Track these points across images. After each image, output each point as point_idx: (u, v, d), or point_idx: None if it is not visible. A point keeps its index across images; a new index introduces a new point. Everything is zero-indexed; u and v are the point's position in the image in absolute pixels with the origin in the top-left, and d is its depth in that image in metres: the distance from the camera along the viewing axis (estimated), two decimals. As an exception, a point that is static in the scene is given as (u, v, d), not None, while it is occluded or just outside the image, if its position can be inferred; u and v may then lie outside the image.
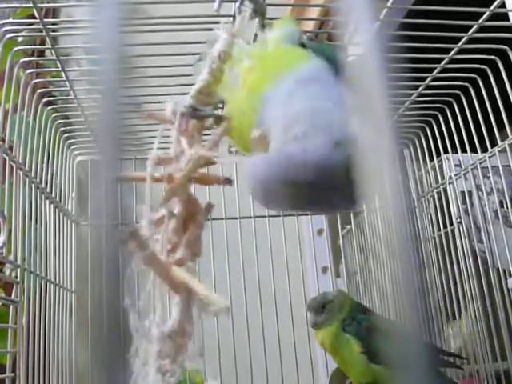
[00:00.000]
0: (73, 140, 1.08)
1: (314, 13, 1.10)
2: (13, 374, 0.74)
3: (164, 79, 0.89)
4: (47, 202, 0.95)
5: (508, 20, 0.86)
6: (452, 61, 0.89)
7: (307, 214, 1.14)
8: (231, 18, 0.67)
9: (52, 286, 0.93)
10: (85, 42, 0.96)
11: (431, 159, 1.11)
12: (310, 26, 1.12)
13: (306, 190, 0.39)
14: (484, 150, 0.96)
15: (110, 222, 0.20)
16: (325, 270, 1.33)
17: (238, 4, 0.56)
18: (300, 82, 0.42)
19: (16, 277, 0.80)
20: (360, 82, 0.23)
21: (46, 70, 1.01)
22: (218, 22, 0.51)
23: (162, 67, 0.87)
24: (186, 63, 0.84)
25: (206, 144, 0.47)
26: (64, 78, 0.88)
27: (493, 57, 0.88)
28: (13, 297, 0.78)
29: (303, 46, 0.48)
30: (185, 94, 0.86)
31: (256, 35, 0.70)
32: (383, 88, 0.22)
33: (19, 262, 0.80)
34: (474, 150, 0.99)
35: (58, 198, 1.00)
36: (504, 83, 0.86)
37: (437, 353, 0.93)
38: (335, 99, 0.41)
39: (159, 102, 0.94)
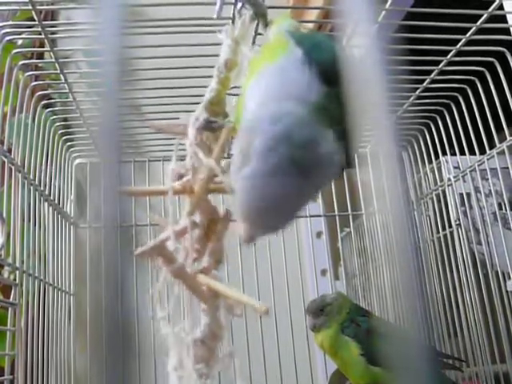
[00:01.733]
0: (72, 142, 1.08)
1: (313, 15, 1.10)
2: (11, 377, 0.74)
3: (162, 81, 0.89)
4: (46, 204, 0.95)
5: (506, 22, 0.86)
6: (450, 63, 0.89)
7: (306, 216, 1.14)
8: (231, 21, 0.67)
9: (51, 288, 0.93)
10: (84, 45, 0.96)
11: (430, 161, 1.11)
12: (308, 28, 1.13)
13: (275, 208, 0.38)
14: (482, 152, 0.96)
15: (112, 225, 0.20)
16: (324, 272, 1.33)
17: (238, 7, 0.56)
18: (269, 78, 0.42)
19: (15, 279, 0.80)
20: (360, 82, 0.23)
21: (45, 72, 1.01)
22: (218, 25, 0.51)
23: (161, 69, 0.87)
24: (186, 65, 0.85)
25: (214, 153, 0.48)
26: (63, 81, 0.87)
27: (491, 59, 0.88)
28: (11, 299, 0.78)
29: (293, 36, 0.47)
30: (183, 96, 0.87)
31: (255, 37, 0.70)
32: (384, 88, 0.22)
33: (18, 264, 0.79)
34: (472, 153, 0.99)
35: (56, 201, 1.00)
36: (502, 85, 0.86)
37: (436, 355, 0.93)
38: (300, 99, 0.40)
39: (159, 105, 0.95)
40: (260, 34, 0.67)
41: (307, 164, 0.37)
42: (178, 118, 0.56)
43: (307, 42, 0.44)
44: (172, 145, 0.50)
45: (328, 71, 0.41)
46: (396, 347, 0.19)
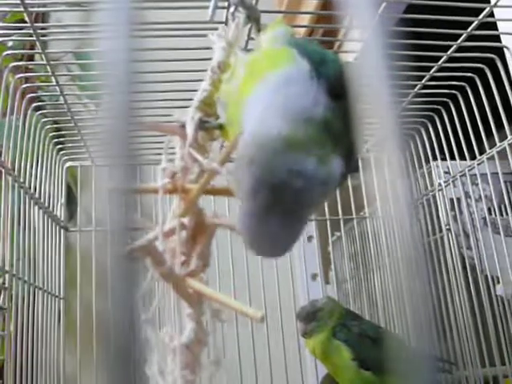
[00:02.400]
0: (62, 145, 1.08)
1: (305, 20, 1.10)
2: (0, 381, 0.74)
3: (155, 85, 0.89)
4: (36, 207, 0.94)
5: (496, 29, 0.87)
6: (441, 69, 0.90)
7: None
8: (224, 24, 0.67)
9: (40, 292, 0.92)
10: (75, 47, 0.95)
11: (420, 166, 1.12)
12: (300, 32, 1.13)
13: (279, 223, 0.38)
14: (473, 157, 0.97)
15: (121, 232, 0.19)
16: (314, 276, 1.33)
17: (231, 10, 0.56)
18: (274, 87, 0.41)
19: (4, 283, 0.79)
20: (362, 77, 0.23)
21: (36, 74, 1.01)
22: (212, 29, 0.51)
23: (153, 73, 0.87)
24: (177, 69, 0.84)
25: (219, 156, 0.47)
26: (54, 83, 0.87)
27: (482, 66, 0.89)
28: (1, 303, 0.77)
29: (291, 44, 0.47)
30: (175, 99, 0.87)
31: (248, 41, 0.70)
32: (386, 81, 0.22)
33: (7, 267, 0.79)
34: (462, 158, 0.99)
35: (46, 204, 0.99)
36: (492, 91, 0.87)
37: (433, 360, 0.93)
38: (305, 109, 0.40)
39: (152, 108, 0.94)
40: (252, 39, 0.67)
41: (306, 200, 0.38)
42: (168, 121, 0.56)
43: (313, 55, 0.43)
44: (162, 148, 0.50)
45: (335, 86, 0.41)
46: (400, 354, 0.20)
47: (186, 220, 0.47)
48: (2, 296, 0.78)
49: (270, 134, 0.38)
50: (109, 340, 0.18)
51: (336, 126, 0.40)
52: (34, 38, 0.77)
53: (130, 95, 0.20)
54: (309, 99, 0.40)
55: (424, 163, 1.11)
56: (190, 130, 0.48)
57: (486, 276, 0.97)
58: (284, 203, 0.37)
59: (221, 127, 0.50)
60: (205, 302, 0.46)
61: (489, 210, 1.05)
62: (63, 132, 1.06)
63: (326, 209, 1.14)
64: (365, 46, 0.24)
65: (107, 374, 0.18)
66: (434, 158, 1.07)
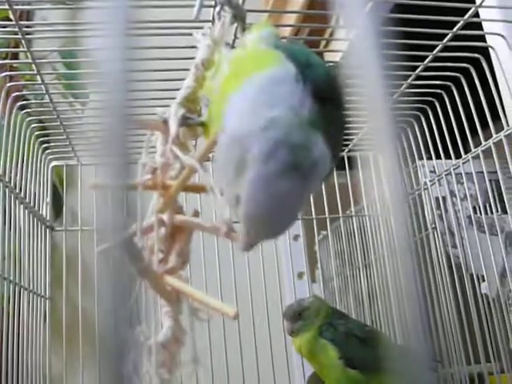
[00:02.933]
0: (47, 145, 1.07)
1: (291, 19, 1.10)
2: (-14, 382, 0.73)
3: (139, 83, 0.89)
4: (21, 206, 0.94)
5: (482, 29, 0.88)
6: (427, 68, 0.90)
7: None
8: (210, 23, 0.67)
9: (26, 292, 0.91)
10: (60, 45, 0.95)
11: (406, 165, 1.12)
12: (286, 32, 1.13)
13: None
14: (458, 156, 0.98)
15: (117, 232, 0.19)
16: (301, 275, 1.34)
17: (217, 9, 0.56)
18: (259, 86, 0.41)
19: (-11, 283, 0.78)
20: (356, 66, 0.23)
21: (22, 73, 1.00)
22: (198, 27, 0.51)
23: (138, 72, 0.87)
24: (164, 68, 0.84)
25: (197, 153, 0.47)
26: (40, 82, 0.86)
27: (467, 65, 0.89)
28: (-14, 303, 0.77)
29: (277, 47, 0.47)
30: (159, 98, 0.87)
31: (234, 40, 0.70)
32: (380, 71, 0.22)
33: (-8, 267, 0.78)
34: (448, 157, 1.00)
35: (32, 203, 0.98)
36: (477, 91, 0.88)
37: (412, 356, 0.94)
38: (292, 109, 0.40)
39: (137, 107, 0.94)
40: (237, 38, 0.67)
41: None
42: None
43: (300, 58, 0.44)
44: (141, 144, 0.50)
45: (321, 90, 0.41)
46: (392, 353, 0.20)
47: (164, 216, 0.47)
48: (-14, 296, 0.78)
49: (251, 132, 0.38)
50: (101, 339, 0.18)
51: (320, 128, 0.40)
52: (20, 36, 0.76)
53: (125, 94, 0.20)
54: (294, 101, 0.40)
55: (410, 162, 1.11)
56: (172, 126, 0.47)
57: (472, 274, 0.98)
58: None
59: (203, 124, 0.50)
60: (183, 300, 0.46)
61: (474, 208, 1.06)
62: (48, 131, 1.05)
63: (313, 208, 1.14)
64: (356, 40, 0.24)
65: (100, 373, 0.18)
66: (420, 157, 1.08)
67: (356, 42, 0.24)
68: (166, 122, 0.49)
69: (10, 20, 0.74)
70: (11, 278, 0.85)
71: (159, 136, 0.49)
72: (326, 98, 0.41)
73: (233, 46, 0.71)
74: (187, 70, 0.59)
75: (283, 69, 0.42)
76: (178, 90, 0.82)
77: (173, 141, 0.47)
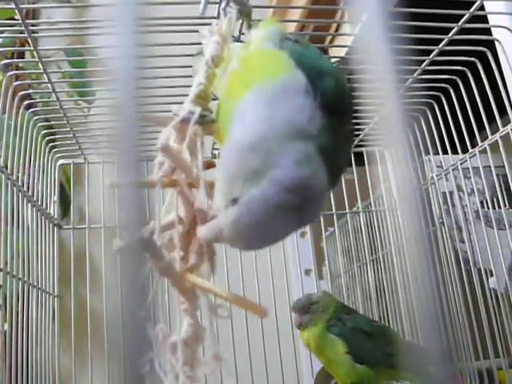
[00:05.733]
0: (54, 143, 1.07)
1: (296, 15, 1.10)
2: (-4, 380, 0.74)
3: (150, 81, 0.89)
4: (29, 205, 0.94)
5: (487, 22, 0.87)
6: (433, 62, 0.90)
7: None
8: (215, 20, 0.67)
9: (35, 290, 0.92)
10: (66, 44, 0.95)
11: (413, 161, 1.12)
12: (291, 27, 1.13)
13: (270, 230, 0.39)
14: (465, 150, 0.98)
15: (136, 230, 0.19)
16: (308, 272, 1.33)
17: (223, 5, 0.56)
18: (268, 98, 0.41)
19: (-2, 280, 0.79)
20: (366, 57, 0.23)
21: (28, 71, 1.00)
22: (203, 24, 0.51)
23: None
24: (170, 64, 0.84)
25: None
26: (46, 80, 0.87)
27: (473, 59, 0.89)
28: (-5, 301, 0.77)
29: (286, 49, 0.46)
30: (167, 95, 0.87)
31: (239, 36, 0.70)
32: (390, 61, 0.22)
33: (1, 265, 0.79)
34: (454, 151, 1.00)
35: (39, 202, 0.99)
36: (484, 85, 0.87)
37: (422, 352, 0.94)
38: (299, 127, 0.40)
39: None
40: (243, 34, 0.67)
41: (307, 206, 0.39)
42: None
43: (310, 65, 0.43)
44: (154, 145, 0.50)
45: (331, 103, 0.41)
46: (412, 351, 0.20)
47: (182, 214, 0.47)
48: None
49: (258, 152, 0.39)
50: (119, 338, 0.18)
51: (326, 143, 0.40)
52: (26, 35, 0.76)
53: (138, 91, 0.20)
54: (303, 116, 0.40)
55: (417, 157, 1.11)
56: (190, 124, 0.47)
57: (479, 269, 0.97)
58: (300, 206, 0.38)
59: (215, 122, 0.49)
60: (201, 296, 0.46)
61: (481, 203, 1.06)
62: (55, 130, 1.06)
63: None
64: (364, 32, 0.24)
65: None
66: (427, 152, 1.08)
67: (364, 34, 0.23)
68: (183, 119, 0.48)
69: (16, 20, 0.74)
70: (20, 275, 0.86)
71: (173, 134, 0.49)
72: (335, 109, 0.41)
73: (239, 41, 0.71)
74: (191, 67, 0.59)
75: (293, 78, 0.42)
76: (181, 87, 0.83)
77: (190, 139, 0.47)
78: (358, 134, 1.11)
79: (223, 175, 0.41)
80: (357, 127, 1.08)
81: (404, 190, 0.21)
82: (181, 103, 0.52)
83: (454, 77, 0.94)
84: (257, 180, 0.38)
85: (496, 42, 0.86)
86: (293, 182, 0.37)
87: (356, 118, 1.01)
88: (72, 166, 1.13)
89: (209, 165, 0.47)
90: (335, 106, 0.41)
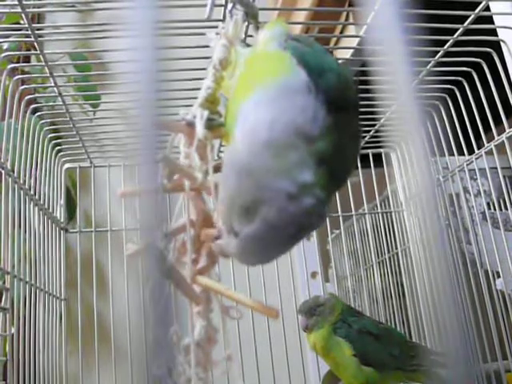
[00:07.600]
0: (60, 147, 1.08)
1: (301, 17, 1.10)
2: (3, 382, 0.74)
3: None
4: (36, 208, 0.94)
5: (492, 23, 0.87)
6: (438, 64, 0.90)
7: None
8: (221, 23, 0.68)
9: (42, 293, 0.92)
10: (72, 48, 0.95)
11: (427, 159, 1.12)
12: (296, 29, 1.13)
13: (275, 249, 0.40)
14: (471, 152, 0.97)
15: (156, 233, 0.19)
16: (314, 275, 1.33)
17: (229, 8, 0.56)
18: (270, 98, 0.40)
19: (5, 283, 0.79)
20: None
21: (35, 75, 1.00)
22: (210, 27, 0.51)
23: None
24: (177, 68, 0.84)
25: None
26: (52, 84, 0.87)
27: (478, 60, 0.89)
28: (2, 304, 0.77)
29: (290, 49, 0.45)
30: (173, 98, 0.87)
31: (245, 38, 0.70)
32: (404, 53, 0.22)
33: (9, 268, 0.79)
34: (460, 153, 1.00)
35: (46, 205, 0.99)
36: (489, 86, 0.87)
37: (430, 354, 0.94)
38: (302, 127, 0.39)
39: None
40: (250, 36, 0.67)
41: (304, 234, 0.39)
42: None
43: (311, 63, 0.42)
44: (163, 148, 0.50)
45: (334, 99, 0.40)
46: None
47: (193, 217, 0.47)
48: (3, 297, 0.78)
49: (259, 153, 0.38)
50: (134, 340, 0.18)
51: (333, 145, 0.39)
52: (32, 39, 0.77)
53: (157, 94, 0.20)
54: (306, 116, 0.39)
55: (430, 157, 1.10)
56: (199, 128, 0.47)
57: (487, 270, 0.97)
58: (300, 228, 0.38)
59: (224, 125, 0.49)
60: (214, 299, 0.46)
61: (488, 204, 1.06)
62: (61, 133, 1.06)
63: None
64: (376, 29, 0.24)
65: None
66: (433, 154, 1.07)
67: (377, 30, 0.23)
68: (190, 124, 0.48)
69: (22, 24, 0.74)
70: (27, 279, 0.86)
71: (183, 138, 0.49)
72: (339, 106, 0.40)
73: (246, 44, 0.71)
74: (197, 69, 0.59)
75: (295, 78, 0.41)
76: (188, 90, 0.83)
77: (199, 143, 0.47)
78: (364, 136, 1.11)
79: (223, 197, 0.41)
80: (363, 129, 1.08)
81: (424, 185, 0.21)
82: (187, 106, 0.52)
83: (459, 78, 0.94)
84: (250, 218, 0.38)
85: (501, 43, 0.85)
86: (285, 220, 0.37)
87: (362, 119, 1.01)
88: (78, 170, 1.14)
89: (217, 167, 0.47)
90: (339, 101, 0.41)
